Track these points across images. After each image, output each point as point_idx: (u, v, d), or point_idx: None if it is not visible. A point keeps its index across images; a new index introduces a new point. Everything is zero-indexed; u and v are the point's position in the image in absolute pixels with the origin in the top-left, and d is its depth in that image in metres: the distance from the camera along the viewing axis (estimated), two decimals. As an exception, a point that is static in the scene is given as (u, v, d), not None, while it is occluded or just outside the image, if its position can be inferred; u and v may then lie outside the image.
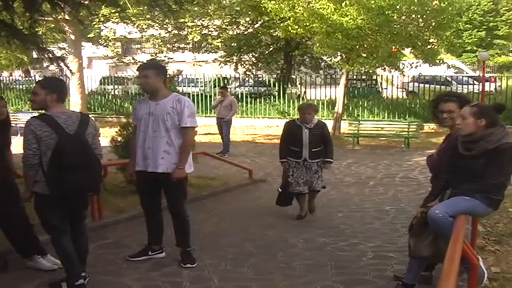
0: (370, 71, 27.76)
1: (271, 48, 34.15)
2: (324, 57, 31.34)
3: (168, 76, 9.08)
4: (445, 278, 3.90)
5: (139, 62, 30.63)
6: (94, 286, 6.68)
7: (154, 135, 7.32)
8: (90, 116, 6.80)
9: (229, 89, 24.35)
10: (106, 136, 12.77)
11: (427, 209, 5.88)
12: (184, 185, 7.76)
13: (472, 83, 32.92)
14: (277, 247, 8.44)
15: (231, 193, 13.12)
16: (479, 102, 6.21)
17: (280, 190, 10.69)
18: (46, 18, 21.71)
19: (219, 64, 35.48)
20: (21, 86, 36.46)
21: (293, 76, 35.48)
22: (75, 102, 25.63)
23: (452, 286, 3.76)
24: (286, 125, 10.72)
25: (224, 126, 19.56)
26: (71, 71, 15.48)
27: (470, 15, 52.90)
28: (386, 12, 21.22)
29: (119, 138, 11.98)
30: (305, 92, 32.94)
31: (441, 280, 3.88)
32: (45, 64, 22.90)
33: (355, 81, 33.16)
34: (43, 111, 6.40)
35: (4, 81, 38.71)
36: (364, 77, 32.84)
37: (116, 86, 34.80)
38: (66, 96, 6.67)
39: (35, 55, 19.87)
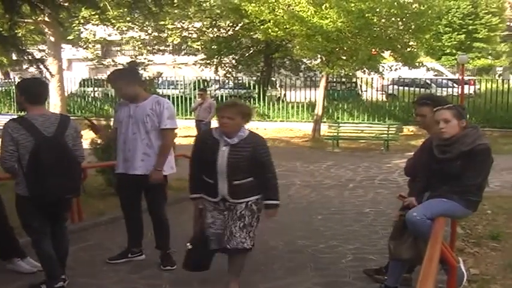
0: (350, 74, 27.83)
1: (251, 51, 34.15)
2: (304, 60, 31.43)
3: (147, 78, 9.10)
4: (423, 279, 3.93)
5: (119, 64, 30.55)
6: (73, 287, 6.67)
7: (134, 138, 7.31)
8: (70, 118, 6.75)
9: (209, 92, 24.34)
10: (86, 138, 12.72)
11: (405, 212, 5.93)
12: (164, 188, 7.76)
13: (451, 85, 33.16)
14: (257, 249, 8.36)
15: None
16: (454, 104, 6.26)
17: (189, 246, 6.59)
18: (26, 20, 21.63)
19: (199, 66, 35.45)
20: (0, 88, 36.22)
21: (273, 78, 35.52)
22: (54, 104, 25.48)
23: (431, 287, 3.79)
24: (197, 138, 7.46)
25: (203, 128, 19.54)
26: (50, 73, 15.41)
27: (450, 18, 53.20)
28: (366, 15, 21.32)
29: (99, 141, 11.92)
30: (285, 95, 32.99)
31: (420, 281, 3.91)
32: (24, 66, 22.76)
33: (335, 84, 33.29)
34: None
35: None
36: (344, 79, 32.95)
37: (95, 88, 34.65)
38: (44, 98, 6.58)
39: (14, 57, 19.76)
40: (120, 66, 10.32)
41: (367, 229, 9.75)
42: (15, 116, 6.70)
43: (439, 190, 5.91)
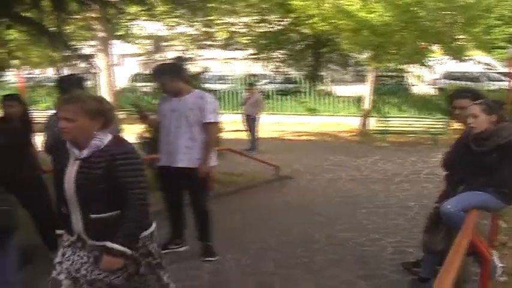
0: (399, 68, 27.67)
1: (300, 45, 34.17)
2: (352, 54, 31.34)
3: (193, 73, 9.18)
4: (446, 268, 3.96)
5: (168, 59, 30.80)
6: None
7: (176, 131, 7.42)
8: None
9: (258, 86, 24.42)
10: (135, 133, 12.90)
11: (440, 204, 5.94)
12: (207, 180, 7.86)
13: (502, 79, 32.71)
14: (300, 243, 8.51)
15: (256, 189, 13.15)
16: (485, 99, 6.21)
17: None
18: (75, 17, 21.97)
19: (248, 61, 35.58)
20: (52, 84, 36.76)
21: (322, 73, 35.48)
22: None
23: (452, 276, 3.81)
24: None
25: (251, 123, 19.67)
26: (98, 68, 15.68)
27: (501, 11, 52.38)
28: (412, 9, 21.13)
29: (147, 135, 12.06)
30: (333, 89, 32.95)
31: (443, 270, 3.94)
32: (74, 62, 23.22)
33: (383, 78, 33.12)
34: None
35: (36, 78, 39.13)
36: (392, 73, 32.76)
37: (146, 84, 34.97)
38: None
39: (65, 53, 20.13)
40: (168, 62, 10.49)
41: (409, 223, 9.74)
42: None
43: (475, 183, 5.91)
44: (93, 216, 4.25)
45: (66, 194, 4.28)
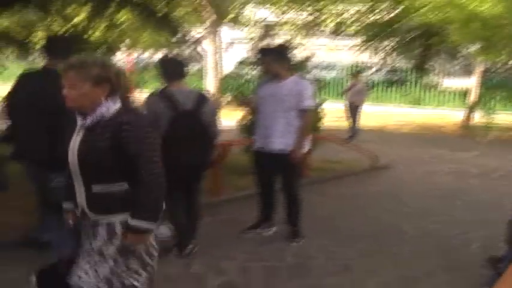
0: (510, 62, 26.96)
1: (409, 36, 33.76)
2: (461, 46, 30.73)
3: (298, 60, 9.32)
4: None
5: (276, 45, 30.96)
6: (201, 255, 7.04)
7: (273, 115, 7.57)
8: (208, 95, 7.15)
9: (364, 76, 24.34)
10: (234, 118, 13.14)
11: None
12: (300, 166, 8.02)
13: None
14: (387, 232, 8.57)
15: (353, 178, 13.21)
16: None
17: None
18: (184, 1, 22.38)
19: (356, 50, 35.40)
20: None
21: (429, 65, 34.92)
22: (210, 84, 26.27)
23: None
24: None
25: (354, 111, 19.70)
26: (203, 53, 15.99)
27: None
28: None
29: (247, 119, 12.25)
30: (440, 81, 32.43)
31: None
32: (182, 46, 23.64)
33: (492, 71, 32.31)
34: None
35: (144, 61, 39.96)
36: (502, 67, 31.91)
37: (252, 69, 35.21)
38: (180, 75, 6.88)
39: (173, 37, 20.57)
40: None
41: (502, 218, 9.55)
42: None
43: None
44: (96, 189, 3.91)
45: (70, 165, 3.97)
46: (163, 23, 12.31)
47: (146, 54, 43.36)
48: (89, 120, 3.85)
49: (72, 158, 3.91)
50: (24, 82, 6.19)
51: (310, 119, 7.80)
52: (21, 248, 6.68)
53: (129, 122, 3.83)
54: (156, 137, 4.02)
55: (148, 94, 6.84)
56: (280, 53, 7.87)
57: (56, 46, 6.17)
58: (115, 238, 3.92)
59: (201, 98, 6.78)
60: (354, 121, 19.68)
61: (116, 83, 3.91)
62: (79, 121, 3.90)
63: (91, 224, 3.98)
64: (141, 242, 3.94)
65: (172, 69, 6.89)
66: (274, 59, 7.58)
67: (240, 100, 8.23)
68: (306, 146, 7.86)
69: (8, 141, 6.34)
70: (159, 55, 40.21)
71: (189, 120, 6.53)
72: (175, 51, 32.91)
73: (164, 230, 7.68)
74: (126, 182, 3.90)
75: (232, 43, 49.02)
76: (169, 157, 6.50)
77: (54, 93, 4.49)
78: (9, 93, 6.26)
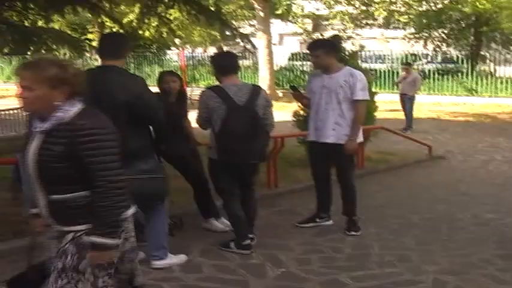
0: None
1: (460, 24, 33.44)
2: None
3: (351, 52, 9.32)
4: None
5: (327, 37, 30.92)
6: (260, 246, 7.10)
7: (326, 108, 7.57)
8: (262, 88, 7.21)
9: (417, 66, 24.14)
10: (288, 111, 13.19)
11: None
12: (353, 157, 8.05)
13: None
14: (442, 220, 8.54)
15: (407, 168, 13.20)
16: None
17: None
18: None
19: (408, 41, 35.15)
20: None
21: (483, 53, 34.53)
22: (263, 77, 26.36)
23: None
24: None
25: (407, 102, 19.60)
26: (254, 47, 16.08)
27: None
28: None
29: (301, 112, 12.28)
30: (495, 70, 31.99)
31: None
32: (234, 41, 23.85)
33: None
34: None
35: (198, 57, 40.31)
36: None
37: (304, 62, 35.25)
38: (233, 69, 6.96)
39: (225, 32, 20.74)
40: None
41: (559, 207, 9.53)
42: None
43: None
44: (53, 197, 3.65)
45: (29, 171, 3.69)
46: (215, 19, 12.41)
47: (199, 50, 43.78)
48: (46, 124, 3.57)
49: (30, 163, 3.64)
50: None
51: (362, 110, 7.77)
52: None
53: (84, 127, 3.53)
54: (114, 141, 3.66)
55: (202, 90, 6.92)
56: (332, 46, 7.90)
57: (111, 45, 6.14)
58: (75, 247, 3.66)
59: (255, 92, 6.82)
60: (409, 112, 19.55)
61: (75, 84, 3.63)
62: (37, 125, 3.62)
63: (57, 234, 3.77)
64: (105, 259, 3.68)
65: (225, 64, 6.96)
66: (325, 52, 7.60)
67: (293, 93, 8.26)
68: (359, 138, 7.86)
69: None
70: (211, 51, 40.66)
71: (243, 114, 6.58)
72: (227, 46, 33.10)
73: (220, 225, 7.81)
74: (87, 191, 3.61)
75: (283, 37, 49.11)
76: (224, 152, 6.64)
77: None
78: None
